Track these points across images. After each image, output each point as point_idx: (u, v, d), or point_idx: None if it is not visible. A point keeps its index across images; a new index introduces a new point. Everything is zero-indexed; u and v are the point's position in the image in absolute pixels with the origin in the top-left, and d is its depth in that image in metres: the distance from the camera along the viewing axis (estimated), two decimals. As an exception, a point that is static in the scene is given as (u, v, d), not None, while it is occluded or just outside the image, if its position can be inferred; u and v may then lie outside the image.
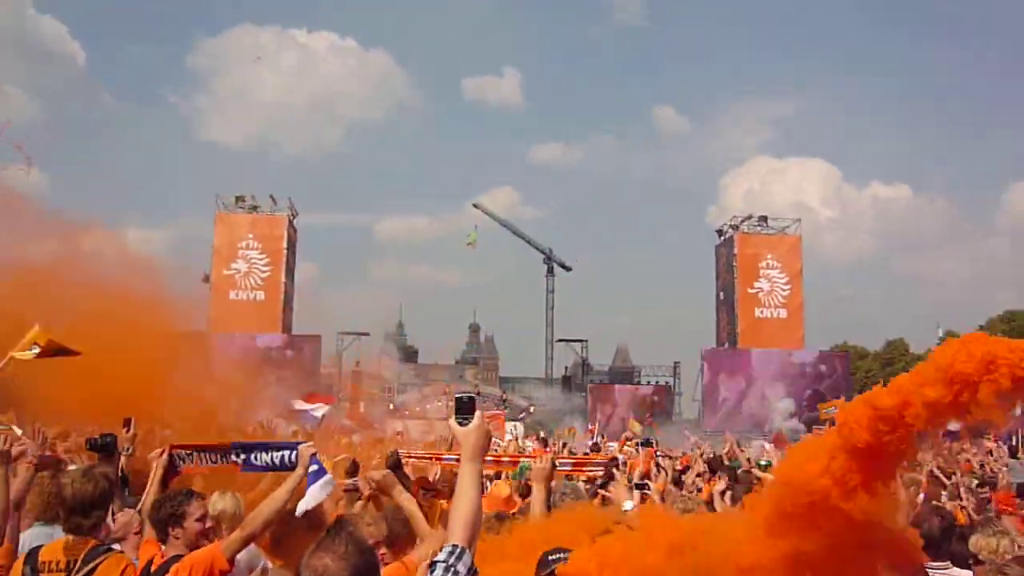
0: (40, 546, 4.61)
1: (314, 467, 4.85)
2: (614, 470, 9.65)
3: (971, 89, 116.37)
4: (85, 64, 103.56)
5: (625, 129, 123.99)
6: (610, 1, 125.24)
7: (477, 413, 2.86)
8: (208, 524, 4.64)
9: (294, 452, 5.05)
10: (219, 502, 5.28)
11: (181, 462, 5.23)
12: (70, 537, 4.52)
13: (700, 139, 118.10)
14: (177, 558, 4.36)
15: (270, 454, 5.22)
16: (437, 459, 8.09)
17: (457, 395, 2.98)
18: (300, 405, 14.63)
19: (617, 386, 55.65)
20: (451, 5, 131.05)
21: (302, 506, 5.03)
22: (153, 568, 4.43)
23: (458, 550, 2.58)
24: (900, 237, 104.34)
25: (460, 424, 2.86)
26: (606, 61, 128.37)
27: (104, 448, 6.16)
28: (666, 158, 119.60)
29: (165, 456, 5.14)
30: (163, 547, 4.54)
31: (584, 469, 7.95)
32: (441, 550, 2.61)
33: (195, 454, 5.26)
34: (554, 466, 5.75)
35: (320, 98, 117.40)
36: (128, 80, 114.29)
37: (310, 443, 5.21)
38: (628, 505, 5.29)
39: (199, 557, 4.31)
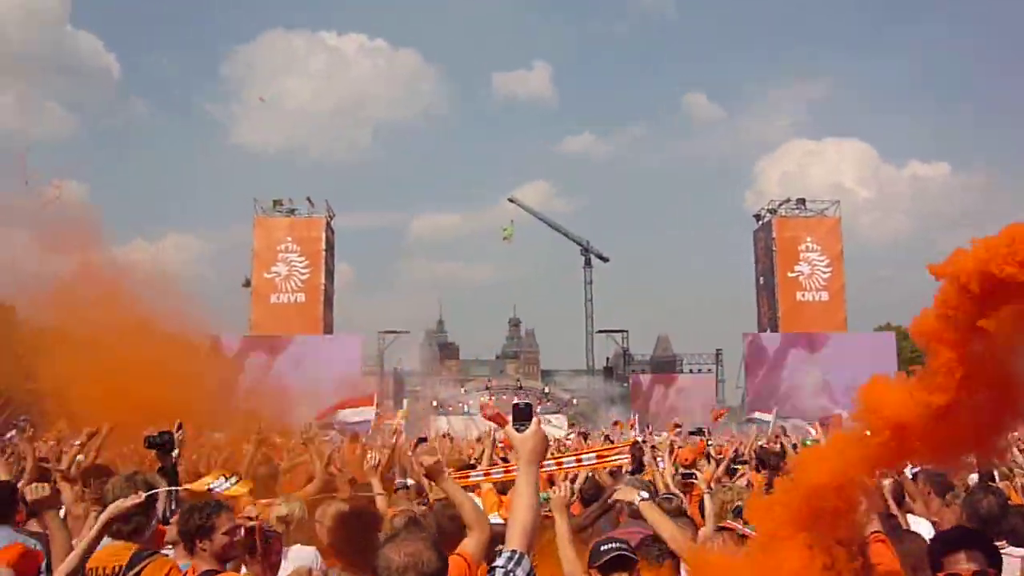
0: None
1: None
2: (643, 458, 9.32)
3: (1009, 63, 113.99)
4: (120, 76, 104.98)
5: (657, 117, 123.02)
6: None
7: (534, 419, 2.90)
8: (236, 537, 4.45)
9: None
10: (284, 507, 5.32)
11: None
12: (115, 542, 4.52)
13: (733, 124, 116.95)
14: (211, 574, 4.29)
15: None
16: (487, 475, 7.61)
17: (515, 403, 3.03)
18: (346, 415, 14.26)
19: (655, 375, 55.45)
20: (480, 1, 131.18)
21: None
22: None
23: (517, 555, 2.60)
24: (939, 217, 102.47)
25: (518, 431, 2.90)
26: (635, 50, 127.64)
27: (160, 446, 6.23)
28: (699, 145, 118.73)
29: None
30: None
31: (607, 460, 7.61)
32: (500, 555, 2.64)
33: None
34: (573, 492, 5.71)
35: (351, 100, 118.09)
36: (162, 90, 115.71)
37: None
38: (637, 498, 5.19)
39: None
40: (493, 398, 57.81)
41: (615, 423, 24.68)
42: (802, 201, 52.12)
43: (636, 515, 5.44)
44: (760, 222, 53.19)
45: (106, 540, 4.58)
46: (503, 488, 7.61)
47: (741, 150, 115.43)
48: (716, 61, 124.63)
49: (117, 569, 4.40)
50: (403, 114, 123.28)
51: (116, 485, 4.66)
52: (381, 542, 2.77)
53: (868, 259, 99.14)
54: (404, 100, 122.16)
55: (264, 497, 6.01)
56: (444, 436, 22.09)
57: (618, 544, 4.26)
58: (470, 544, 4.13)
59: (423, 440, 10.53)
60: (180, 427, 6.42)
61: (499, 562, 2.61)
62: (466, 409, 49.09)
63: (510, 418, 2.96)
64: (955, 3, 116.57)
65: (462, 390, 56.92)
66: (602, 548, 4.21)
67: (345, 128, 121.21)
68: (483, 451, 9.44)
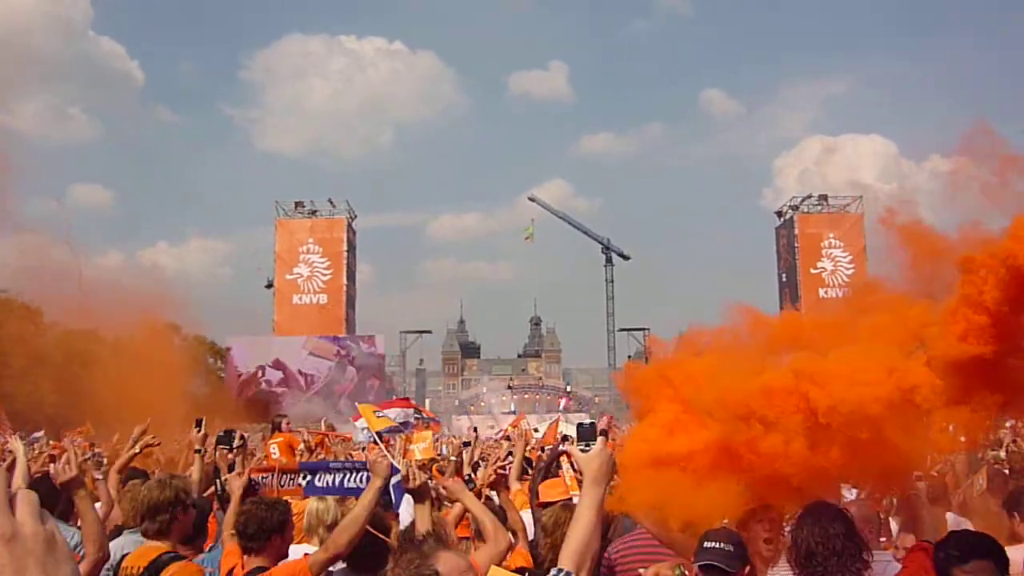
0: (127, 553, 4.66)
1: (396, 477, 4.71)
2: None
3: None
4: (143, 82, 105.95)
5: (675, 116, 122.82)
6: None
7: (599, 439, 2.84)
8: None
9: (361, 475, 4.99)
10: (318, 504, 5.36)
11: (258, 486, 5.22)
12: (150, 543, 4.57)
13: (751, 122, 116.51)
14: (260, 570, 4.31)
15: (333, 475, 5.21)
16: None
17: (579, 423, 3.00)
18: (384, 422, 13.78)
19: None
20: (496, 2, 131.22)
21: (405, 520, 5.02)
22: None
23: (564, 573, 2.56)
24: (961, 210, 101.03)
25: (583, 451, 2.83)
26: (652, 49, 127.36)
27: (228, 443, 6.23)
28: (717, 143, 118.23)
29: (245, 478, 5.13)
30: (246, 557, 4.45)
31: None
32: (549, 572, 2.60)
33: (271, 477, 5.29)
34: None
35: (371, 102, 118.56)
36: (184, 96, 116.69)
37: (382, 455, 5.02)
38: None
39: (284, 573, 4.24)
40: (516, 397, 57.91)
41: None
42: (824, 197, 51.83)
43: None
44: (782, 219, 52.90)
45: (139, 539, 4.65)
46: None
47: (759, 148, 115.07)
48: (733, 58, 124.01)
49: (138, 571, 4.40)
50: (422, 115, 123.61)
51: (151, 488, 4.69)
52: (402, 551, 2.58)
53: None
54: (423, 101, 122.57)
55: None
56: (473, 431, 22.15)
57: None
58: (481, 555, 4.16)
59: (467, 444, 10.43)
60: (200, 424, 6.44)
61: None
62: (488, 408, 49.15)
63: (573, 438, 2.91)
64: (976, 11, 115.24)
65: (484, 389, 56.99)
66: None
67: (365, 130, 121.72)
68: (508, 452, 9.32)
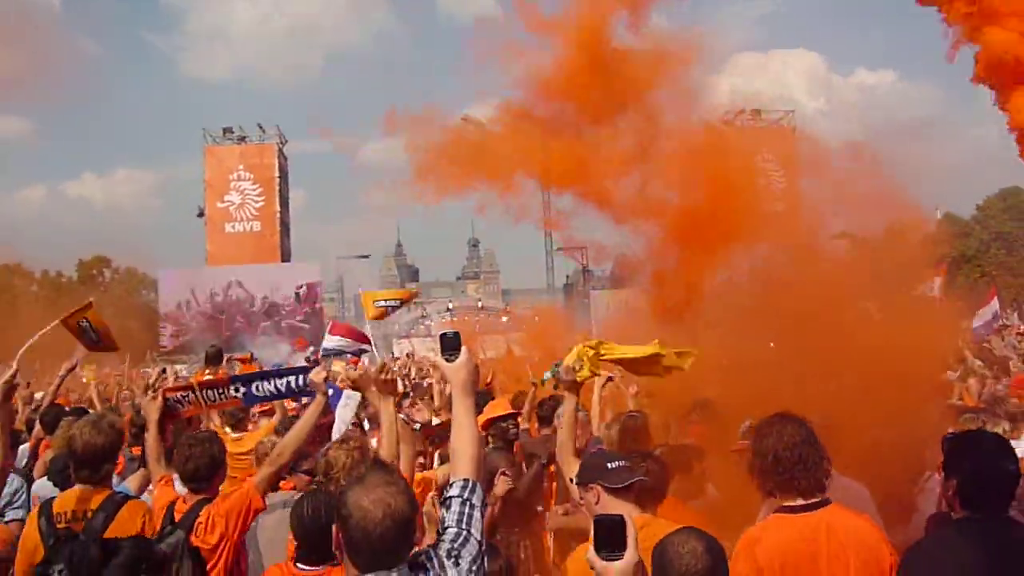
0: (53, 498, 4.49)
1: (330, 391, 4.73)
2: None
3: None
4: (60, 9, 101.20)
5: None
6: None
7: (463, 348, 2.81)
8: None
9: (300, 377, 4.91)
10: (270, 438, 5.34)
11: (179, 405, 4.98)
12: (83, 487, 4.41)
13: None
14: (205, 501, 4.25)
15: (272, 382, 5.01)
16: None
17: (441, 332, 2.91)
18: (338, 341, 13.15)
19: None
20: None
21: (337, 431, 5.04)
22: (177, 513, 4.29)
23: (471, 483, 2.57)
24: (889, 124, 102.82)
25: (447, 360, 2.81)
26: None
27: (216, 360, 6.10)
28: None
29: (160, 400, 4.87)
30: (187, 492, 4.38)
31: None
32: (452, 485, 2.59)
33: (191, 394, 4.97)
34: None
35: (298, 26, 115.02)
36: (105, 24, 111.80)
37: (318, 367, 5.03)
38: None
39: (233, 500, 4.17)
40: (455, 319, 58.06)
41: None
42: (757, 112, 52.08)
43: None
44: (715, 134, 53.16)
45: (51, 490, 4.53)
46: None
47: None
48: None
49: (87, 513, 4.29)
50: (352, 39, 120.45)
51: (91, 433, 4.43)
52: (345, 484, 2.49)
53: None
54: (352, 24, 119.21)
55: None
56: (408, 356, 22.22)
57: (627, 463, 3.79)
58: (402, 462, 4.30)
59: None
60: (164, 371, 6.32)
61: (453, 491, 2.56)
62: (428, 331, 49.22)
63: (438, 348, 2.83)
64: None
65: (423, 312, 57.00)
66: (610, 465, 3.74)
67: (291, 54, 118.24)
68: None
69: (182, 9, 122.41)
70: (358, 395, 5.05)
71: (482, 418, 6.30)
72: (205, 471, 4.38)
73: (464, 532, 2.46)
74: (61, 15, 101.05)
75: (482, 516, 2.54)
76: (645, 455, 4.28)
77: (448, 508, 2.52)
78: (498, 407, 6.80)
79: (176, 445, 4.59)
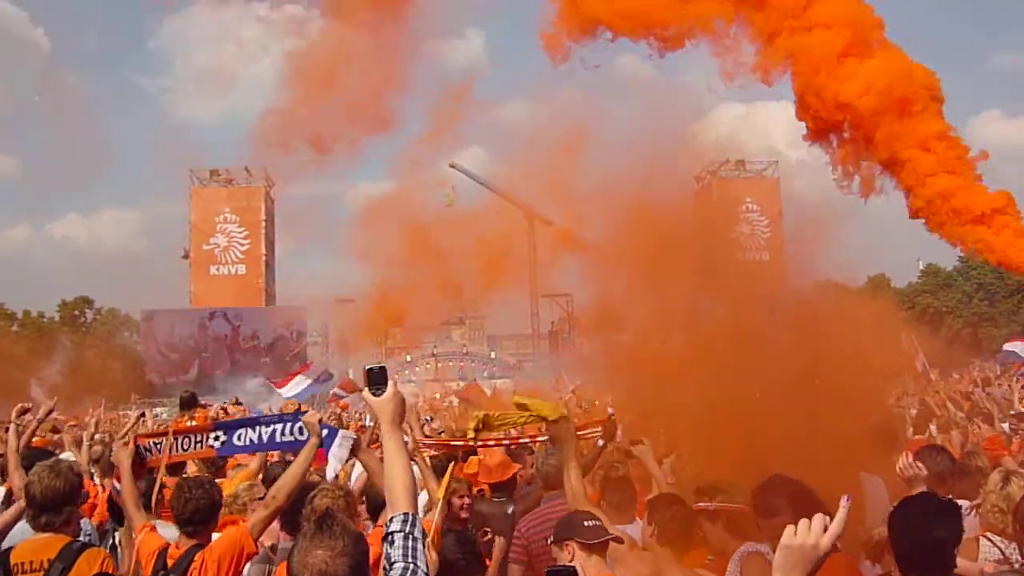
0: (10, 548, 4.27)
1: (324, 431, 4.68)
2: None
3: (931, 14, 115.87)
4: (49, 49, 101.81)
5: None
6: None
7: (390, 382, 2.82)
8: None
9: (289, 425, 4.85)
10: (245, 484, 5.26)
11: (148, 453, 4.88)
12: (43, 535, 4.24)
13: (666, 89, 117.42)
14: (198, 547, 4.18)
15: (258, 430, 4.92)
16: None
17: (367, 367, 2.86)
18: (292, 389, 13.27)
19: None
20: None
21: (331, 472, 4.98)
22: (170, 559, 4.20)
23: (410, 517, 2.58)
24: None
25: (374, 395, 2.81)
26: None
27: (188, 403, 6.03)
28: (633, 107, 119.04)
29: (132, 446, 4.82)
30: (182, 537, 4.29)
31: (584, 435, 6.23)
32: (392, 520, 2.59)
33: (163, 442, 4.87)
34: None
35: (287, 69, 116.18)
36: (92, 64, 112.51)
37: (310, 410, 5.03)
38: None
39: (227, 545, 4.13)
40: (440, 364, 57.86)
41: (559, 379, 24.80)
42: (741, 163, 52.62)
43: (552, 484, 5.35)
44: (700, 184, 53.60)
45: (29, 532, 4.30)
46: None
47: (675, 114, 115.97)
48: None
49: (45, 564, 4.11)
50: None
51: (39, 475, 4.27)
52: (298, 539, 2.49)
53: (805, 218, 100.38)
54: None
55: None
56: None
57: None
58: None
59: None
60: (143, 415, 6.25)
61: (394, 527, 2.56)
62: (412, 377, 49.04)
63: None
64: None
65: (407, 358, 56.79)
66: (586, 524, 3.77)
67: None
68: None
69: (170, 50, 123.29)
70: (353, 435, 5.00)
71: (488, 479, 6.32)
72: (203, 514, 4.32)
73: (411, 565, 2.49)
74: (49, 54, 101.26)
75: (424, 547, 2.57)
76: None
77: (392, 544, 2.53)
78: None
79: (176, 487, 4.50)
